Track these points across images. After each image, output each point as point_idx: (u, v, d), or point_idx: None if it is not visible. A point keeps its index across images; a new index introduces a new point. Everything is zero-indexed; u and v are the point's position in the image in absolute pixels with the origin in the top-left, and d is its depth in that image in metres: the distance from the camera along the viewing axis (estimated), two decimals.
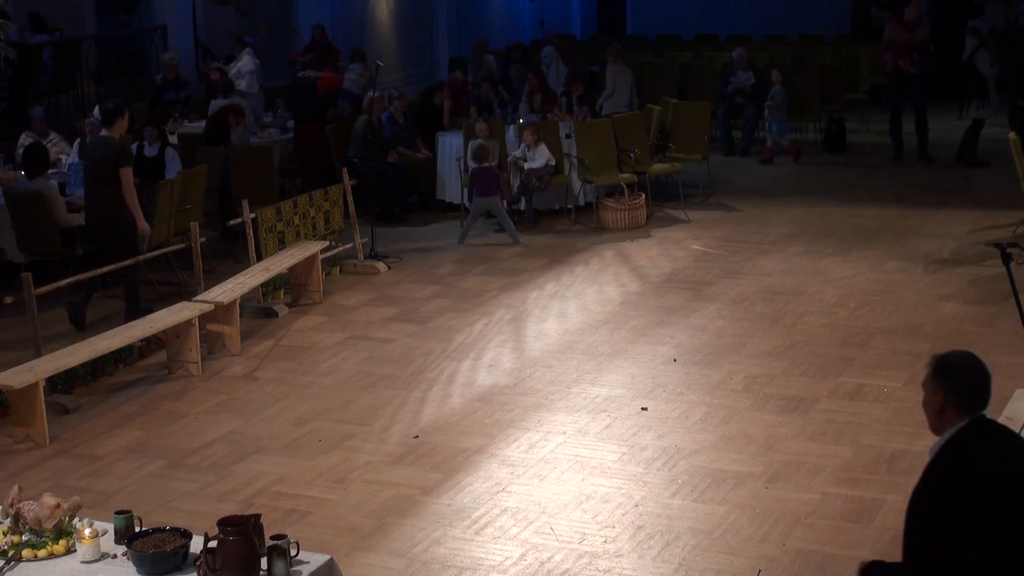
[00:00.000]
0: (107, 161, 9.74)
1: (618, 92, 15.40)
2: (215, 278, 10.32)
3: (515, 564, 6.21)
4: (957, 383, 3.81)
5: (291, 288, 10.88)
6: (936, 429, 3.86)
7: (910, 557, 3.74)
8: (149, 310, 9.67)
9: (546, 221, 13.45)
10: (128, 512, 4.71)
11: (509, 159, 13.20)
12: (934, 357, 3.94)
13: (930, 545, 3.67)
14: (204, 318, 9.31)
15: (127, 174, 9.78)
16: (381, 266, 11.72)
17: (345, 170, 12.06)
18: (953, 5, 21.44)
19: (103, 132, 10.09)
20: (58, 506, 4.69)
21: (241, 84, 15.25)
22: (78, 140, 12.64)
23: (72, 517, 4.71)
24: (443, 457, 7.51)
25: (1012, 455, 3.75)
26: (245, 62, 15.43)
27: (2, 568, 4.47)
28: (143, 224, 9.97)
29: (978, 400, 3.82)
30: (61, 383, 8.62)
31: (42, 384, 7.90)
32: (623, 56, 15.68)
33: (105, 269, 10.06)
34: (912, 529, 3.74)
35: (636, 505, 6.79)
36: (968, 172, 15.24)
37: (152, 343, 9.43)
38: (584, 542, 6.41)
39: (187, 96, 15.28)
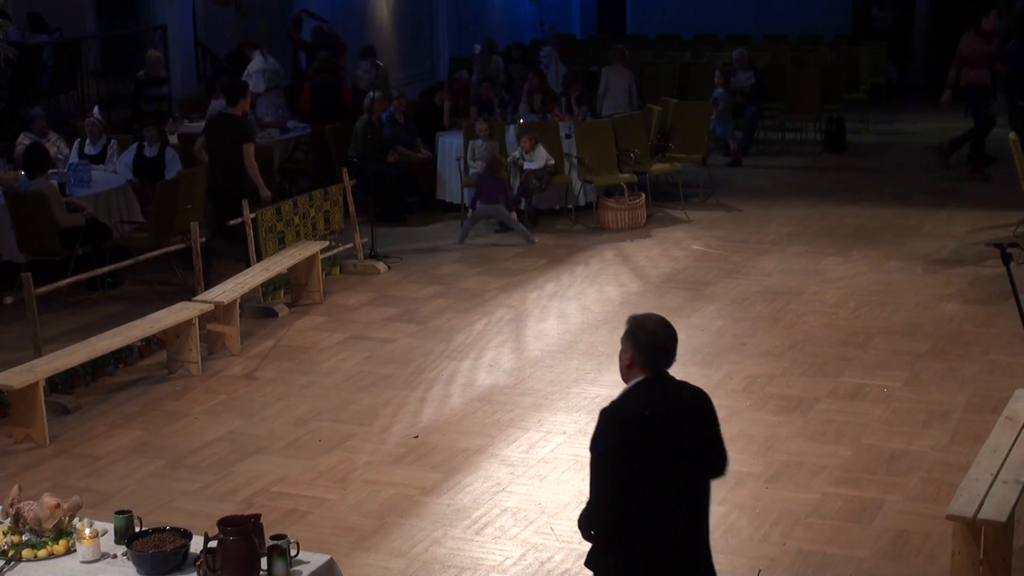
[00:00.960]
0: (231, 137, 10.75)
1: (612, 92, 15.35)
2: (215, 278, 10.31)
3: (515, 564, 6.22)
4: (644, 345, 4.26)
5: (291, 288, 10.88)
6: (625, 380, 4.34)
7: (590, 490, 4.28)
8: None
9: (546, 221, 13.45)
10: (128, 512, 4.71)
11: (508, 159, 13.20)
12: (630, 317, 4.37)
13: (595, 478, 4.24)
14: (204, 318, 9.31)
15: (250, 149, 10.75)
16: (381, 266, 11.72)
17: (345, 170, 12.06)
18: (956, 7, 21.42)
19: (226, 110, 11.04)
20: (58, 506, 4.69)
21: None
22: (77, 140, 12.64)
23: (72, 517, 4.71)
24: (443, 457, 7.51)
25: (668, 407, 4.25)
26: (254, 62, 15.37)
27: (2, 568, 4.47)
28: (265, 191, 10.98)
29: (661, 361, 4.29)
30: (61, 383, 8.61)
31: (42, 384, 7.90)
32: (625, 57, 15.68)
33: (104, 269, 10.08)
34: (590, 465, 4.27)
35: None
36: (970, 172, 15.22)
37: (152, 343, 9.43)
38: (584, 542, 6.39)
39: (167, 93, 15.13)
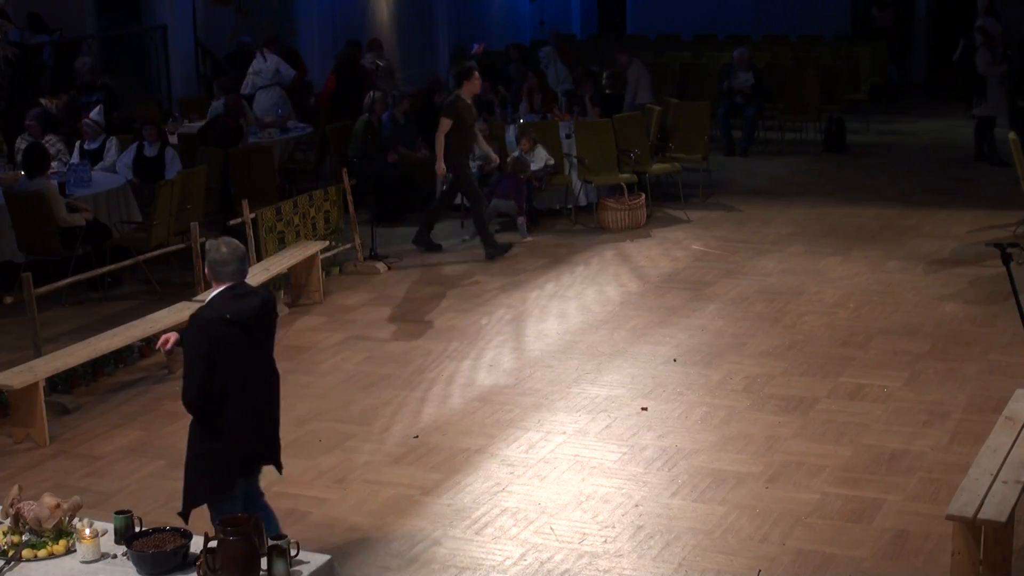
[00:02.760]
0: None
1: (630, 88, 15.59)
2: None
3: (515, 564, 6.22)
4: (215, 261, 5.39)
5: (291, 288, 10.88)
6: (211, 289, 5.46)
7: (183, 377, 5.41)
8: (438, 247, 12.32)
9: (546, 221, 13.44)
10: (128, 512, 4.72)
11: (508, 159, 13.20)
12: (216, 240, 5.53)
13: (188, 369, 5.39)
14: None
15: (443, 123, 11.96)
16: (381, 266, 11.71)
17: (345, 170, 12.06)
18: (956, 6, 21.41)
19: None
20: (58, 506, 4.69)
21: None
22: (78, 141, 12.61)
23: (72, 517, 4.72)
24: (443, 457, 7.51)
25: (243, 309, 5.36)
26: (255, 63, 15.23)
27: (2, 568, 4.48)
28: (440, 165, 12.03)
29: (231, 274, 5.40)
30: (61, 383, 8.61)
31: (42, 384, 7.90)
32: (626, 52, 15.80)
33: (104, 269, 10.08)
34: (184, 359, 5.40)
35: (636, 505, 6.79)
36: (970, 172, 15.20)
37: (152, 343, 9.42)
38: (584, 542, 6.41)
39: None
